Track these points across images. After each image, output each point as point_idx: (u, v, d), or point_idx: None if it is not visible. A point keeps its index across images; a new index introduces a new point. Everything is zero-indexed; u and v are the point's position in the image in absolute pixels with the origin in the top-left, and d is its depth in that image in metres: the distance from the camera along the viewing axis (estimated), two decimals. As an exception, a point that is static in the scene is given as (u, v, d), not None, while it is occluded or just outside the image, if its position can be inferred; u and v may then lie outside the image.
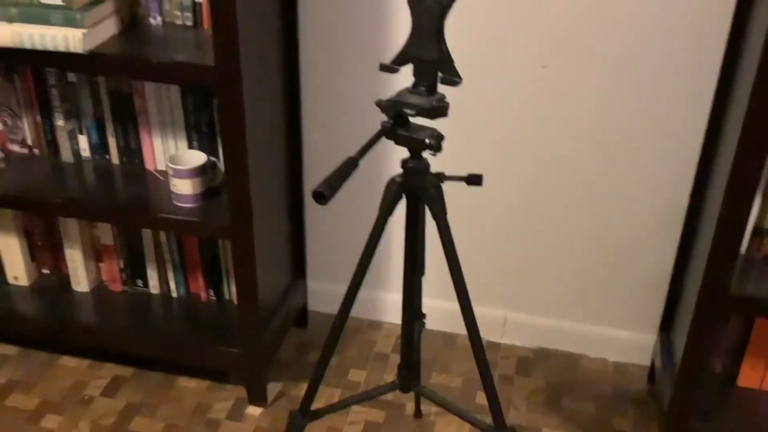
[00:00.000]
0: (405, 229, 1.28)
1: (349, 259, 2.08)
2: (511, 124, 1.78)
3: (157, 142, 1.80)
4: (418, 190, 1.22)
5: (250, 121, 1.55)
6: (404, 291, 1.37)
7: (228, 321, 1.90)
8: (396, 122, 1.14)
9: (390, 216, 1.23)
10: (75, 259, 1.94)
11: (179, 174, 1.67)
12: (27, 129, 1.85)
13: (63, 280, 1.99)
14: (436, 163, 1.23)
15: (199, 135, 1.77)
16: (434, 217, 1.22)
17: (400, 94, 1.16)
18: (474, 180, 1.24)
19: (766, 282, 1.47)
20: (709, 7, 1.56)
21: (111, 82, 1.75)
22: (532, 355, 2.03)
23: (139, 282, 1.98)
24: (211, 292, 1.96)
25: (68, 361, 1.99)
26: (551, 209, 1.86)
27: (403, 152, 1.22)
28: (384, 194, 1.22)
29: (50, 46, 1.49)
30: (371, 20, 1.74)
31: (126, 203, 1.71)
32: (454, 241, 1.23)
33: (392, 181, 1.22)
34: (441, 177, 1.22)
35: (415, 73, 1.15)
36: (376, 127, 1.13)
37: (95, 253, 1.96)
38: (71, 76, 1.76)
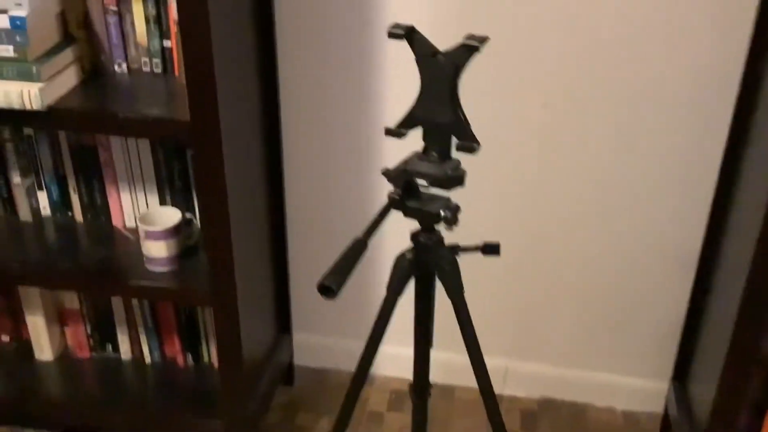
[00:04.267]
0: (415, 304, 1.15)
1: (338, 309, 1.95)
2: (512, 172, 1.66)
3: (125, 197, 1.64)
4: (432, 266, 1.08)
5: (230, 177, 1.41)
6: (415, 367, 1.24)
7: (209, 388, 1.74)
8: (405, 193, 1.00)
9: (400, 296, 1.10)
10: (37, 326, 1.76)
11: (152, 236, 1.51)
12: (-21, 187, 1.67)
13: (24, 347, 1.81)
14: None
15: (171, 188, 1.62)
16: (450, 294, 1.09)
17: (408, 161, 1.02)
18: (491, 249, 1.11)
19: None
20: (721, 43, 1.46)
21: (72, 134, 1.58)
22: (537, 406, 1.91)
23: (109, 347, 1.81)
24: (189, 356, 1.80)
25: (33, 437, 1.81)
26: (555, 254, 1.74)
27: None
28: (392, 273, 1.08)
29: (3, 104, 1.33)
30: (362, 64, 1.61)
31: (93, 269, 1.55)
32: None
33: (402, 257, 1.08)
34: (455, 250, 1.09)
35: (426, 138, 1.02)
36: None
37: (59, 318, 1.79)
38: (28, 129, 1.59)
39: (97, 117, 1.37)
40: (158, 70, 1.51)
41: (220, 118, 1.33)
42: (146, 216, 1.55)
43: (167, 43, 1.48)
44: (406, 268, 1.07)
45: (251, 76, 1.53)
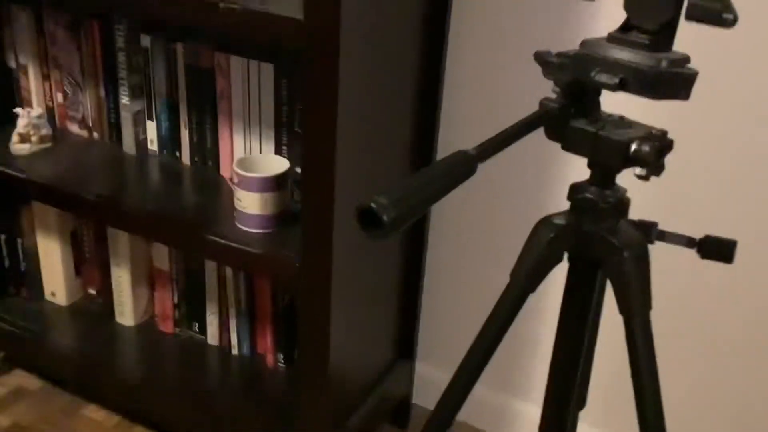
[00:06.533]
0: (560, 319, 0.67)
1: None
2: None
3: (238, 141, 1.32)
4: (598, 249, 0.60)
5: (346, 107, 1.02)
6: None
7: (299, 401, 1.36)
8: (571, 98, 0.55)
9: (532, 292, 0.63)
10: (122, 283, 1.48)
11: (247, 184, 1.16)
12: (89, 106, 1.43)
13: (109, 306, 1.54)
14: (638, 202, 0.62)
15: (290, 137, 1.27)
16: (623, 309, 0.60)
17: (589, 44, 0.57)
18: (717, 249, 0.61)
19: None
20: None
21: (189, 52, 1.30)
22: None
23: (195, 326, 1.49)
24: (281, 357, 1.42)
25: (94, 413, 1.52)
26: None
27: (577, 170, 0.62)
28: (526, 246, 0.61)
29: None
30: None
31: (174, 215, 1.23)
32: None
33: (547, 223, 0.61)
34: (650, 232, 0.60)
35: (630, 7, 0.56)
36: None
37: (148, 278, 1.50)
38: (144, 40, 1.33)
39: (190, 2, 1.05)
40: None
41: (342, 21, 0.95)
42: (246, 161, 1.20)
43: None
44: (551, 243, 0.59)
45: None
